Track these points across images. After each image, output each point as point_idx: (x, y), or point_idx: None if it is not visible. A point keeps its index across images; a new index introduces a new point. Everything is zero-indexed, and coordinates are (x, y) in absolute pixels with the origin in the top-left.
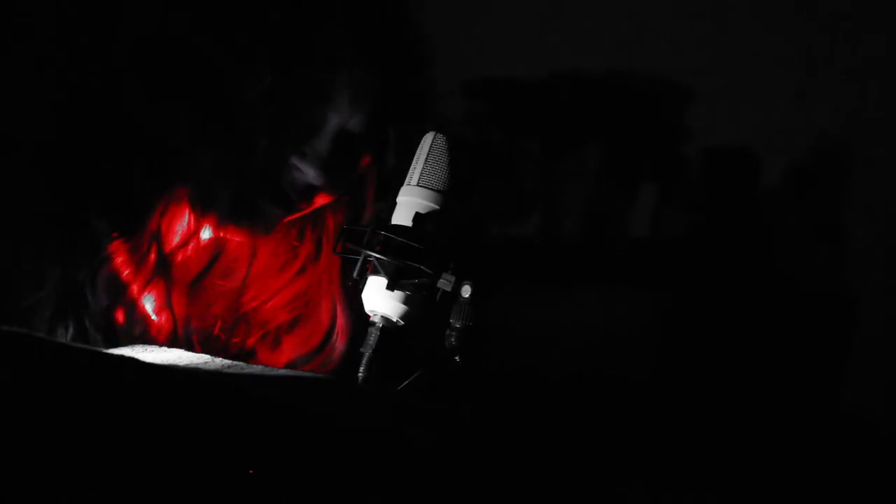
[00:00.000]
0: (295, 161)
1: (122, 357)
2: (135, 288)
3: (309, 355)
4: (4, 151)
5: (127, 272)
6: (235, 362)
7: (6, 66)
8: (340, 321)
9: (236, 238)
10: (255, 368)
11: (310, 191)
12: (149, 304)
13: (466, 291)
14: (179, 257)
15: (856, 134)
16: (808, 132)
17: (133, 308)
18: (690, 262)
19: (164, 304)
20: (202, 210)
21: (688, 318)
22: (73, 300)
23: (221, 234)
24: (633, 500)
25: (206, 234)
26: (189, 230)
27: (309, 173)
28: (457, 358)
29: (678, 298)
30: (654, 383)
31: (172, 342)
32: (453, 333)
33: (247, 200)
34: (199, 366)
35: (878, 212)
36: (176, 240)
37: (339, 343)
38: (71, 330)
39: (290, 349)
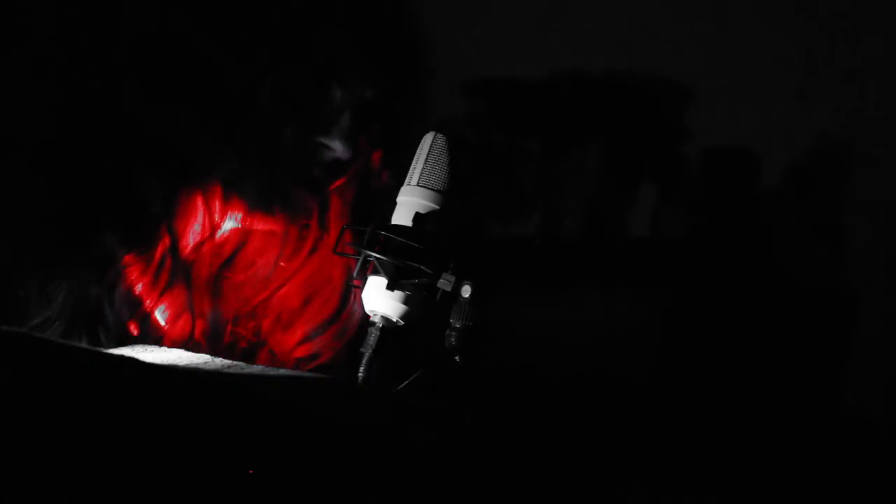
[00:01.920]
0: (322, 139)
1: (122, 357)
2: (149, 301)
3: (324, 324)
4: (4, 151)
5: (141, 285)
6: (235, 362)
7: (5, 66)
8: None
9: (269, 227)
10: (255, 368)
11: (339, 166)
12: (160, 315)
13: (466, 291)
14: (196, 260)
15: (856, 134)
16: (808, 132)
17: (147, 320)
18: (690, 262)
19: (185, 307)
20: (226, 202)
21: (688, 318)
22: (86, 316)
23: (252, 226)
24: (634, 500)
25: (228, 224)
26: (204, 232)
27: (337, 148)
28: (457, 358)
29: (678, 298)
30: (653, 383)
31: (188, 345)
32: (453, 333)
33: (278, 189)
34: (199, 366)
35: (878, 212)
36: (190, 243)
37: (359, 305)
38: (84, 343)
39: (304, 323)
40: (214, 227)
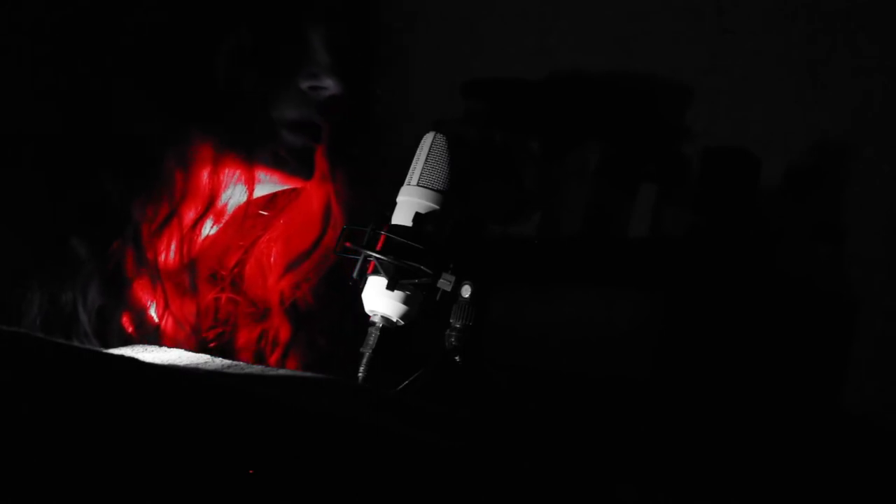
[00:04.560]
0: (309, 83)
1: (122, 357)
2: (138, 294)
3: (306, 252)
4: None
5: (125, 277)
6: (235, 362)
7: None
8: (336, 211)
9: (292, 185)
10: (255, 368)
11: (334, 102)
12: (153, 310)
13: (466, 291)
14: (162, 249)
15: (856, 134)
16: (808, 132)
17: (140, 314)
18: (690, 262)
19: (162, 305)
20: (240, 162)
21: (687, 318)
22: (60, 323)
23: (278, 181)
24: (634, 500)
25: (236, 193)
26: (166, 211)
27: (328, 84)
28: (457, 358)
29: (678, 298)
30: (653, 382)
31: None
32: (453, 333)
33: (282, 146)
34: (199, 365)
35: (878, 212)
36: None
37: (339, 223)
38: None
39: (284, 256)
40: (215, 195)
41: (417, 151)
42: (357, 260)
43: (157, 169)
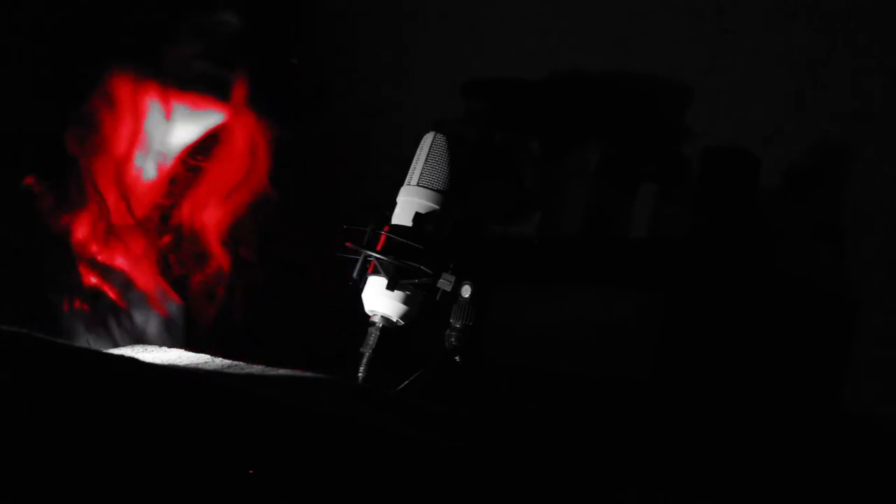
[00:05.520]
0: (220, 17)
1: (122, 357)
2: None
3: (238, 185)
4: None
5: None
6: (235, 362)
7: None
8: (261, 145)
9: (209, 106)
10: (255, 368)
11: (239, 36)
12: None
13: (466, 291)
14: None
15: (856, 134)
16: (808, 132)
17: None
18: (690, 262)
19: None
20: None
21: (687, 318)
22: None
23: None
24: (634, 500)
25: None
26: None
27: (227, 18)
28: (457, 358)
29: (678, 298)
30: (653, 382)
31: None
32: (453, 333)
33: (196, 71)
34: (200, 365)
35: (878, 212)
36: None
37: (264, 155)
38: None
39: (218, 189)
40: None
41: (417, 151)
42: (357, 259)
43: (85, 105)
